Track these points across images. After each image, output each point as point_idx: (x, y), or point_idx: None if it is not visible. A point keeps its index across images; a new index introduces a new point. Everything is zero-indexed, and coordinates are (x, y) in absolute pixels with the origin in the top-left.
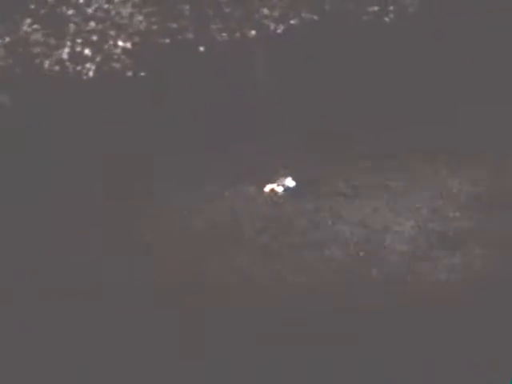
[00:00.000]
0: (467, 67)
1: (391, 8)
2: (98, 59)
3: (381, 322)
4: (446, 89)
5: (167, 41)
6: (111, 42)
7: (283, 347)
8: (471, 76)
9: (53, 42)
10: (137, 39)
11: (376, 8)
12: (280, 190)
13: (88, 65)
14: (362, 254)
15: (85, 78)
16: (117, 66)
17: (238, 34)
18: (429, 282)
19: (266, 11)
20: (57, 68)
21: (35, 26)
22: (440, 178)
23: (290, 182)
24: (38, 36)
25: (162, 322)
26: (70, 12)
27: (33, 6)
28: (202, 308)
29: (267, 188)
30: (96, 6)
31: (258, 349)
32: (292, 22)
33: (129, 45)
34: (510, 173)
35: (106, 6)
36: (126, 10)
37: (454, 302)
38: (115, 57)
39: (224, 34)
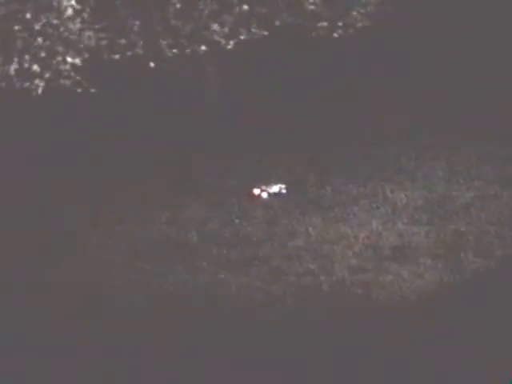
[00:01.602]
0: (417, 82)
1: (340, 24)
2: (46, 76)
3: (332, 336)
4: (393, 103)
5: (117, 57)
6: (60, 58)
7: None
8: (422, 90)
9: None
10: (86, 55)
11: (325, 23)
12: (265, 195)
13: (37, 81)
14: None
15: (34, 94)
16: (66, 82)
17: (188, 50)
18: (381, 295)
19: (216, 27)
20: (4, 84)
21: None
22: (390, 191)
23: (277, 189)
24: None
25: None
26: (17, 27)
27: None
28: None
29: (253, 193)
30: (44, 21)
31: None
32: (242, 37)
33: (78, 61)
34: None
35: (54, 21)
36: (75, 26)
37: (406, 316)
38: (64, 73)
39: (174, 50)
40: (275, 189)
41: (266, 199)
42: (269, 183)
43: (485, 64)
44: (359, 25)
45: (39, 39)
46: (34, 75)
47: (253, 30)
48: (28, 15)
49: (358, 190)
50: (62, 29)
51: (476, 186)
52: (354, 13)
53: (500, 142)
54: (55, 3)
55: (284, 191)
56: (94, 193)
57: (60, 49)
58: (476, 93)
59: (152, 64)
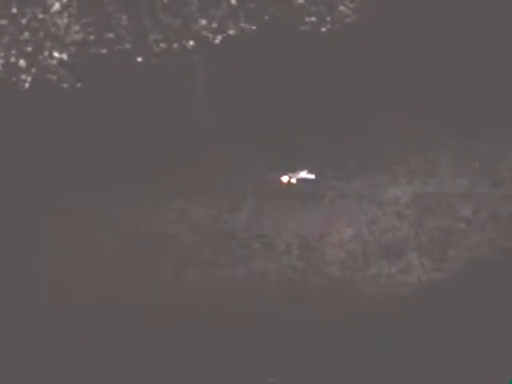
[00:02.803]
0: (403, 78)
1: (328, 19)
2: (33, 71)
3: (317, 332)
4: (380, 98)
5: (104, 51)
6: (47, 53)
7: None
8: (407, 87)
9: None
10: (73, 50)
11: (313, 18)
12: (294, 181)
13: (23, 76)
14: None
15: (20, 89)
16: (53, 77)
17: (176, 45)
18: (367, 292)
19: (204, 22)
20: None
21: None
22: (379, 187)
23: (304, 175)
24: None
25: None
26: (4, 22)
27: None
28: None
29: (283, 179)
30: (31, 16)
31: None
32: (230, 32)
33: (65, 56)
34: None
35: (41, 16)
36: (62, 21)
37: (393, 311)
38: (51, 68)
39: (162, 45)
40: (303, 175)
41: (293, 185)
42: (295, 170)
43: (478, 60)
44: (347, 20)
45: (26, 34)
46: (21, 70)
47: (241, 24)
48: (14, 10)
49: (346, 186)
50: (48, 23)
51: (463, 183)
52: (342, 7)
53: (487, 139)
54: None
55: (311, 176)
56: (79, 185)
57: (47, 43)
58: (467, 91)
59: (139, 59)
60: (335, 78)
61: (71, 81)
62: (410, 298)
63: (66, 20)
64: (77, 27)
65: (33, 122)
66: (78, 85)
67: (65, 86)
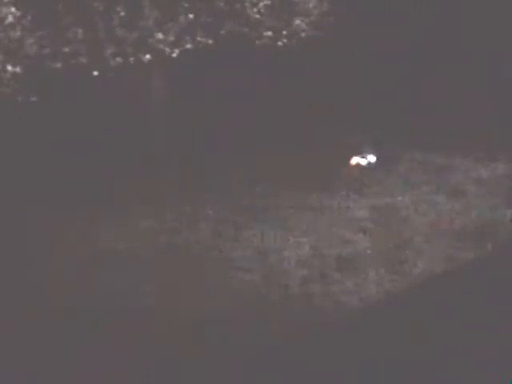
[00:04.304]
0: (359, 90)
1: (284, 33)
2: None
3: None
4: (336, 111)
5: (59, 65)
6: (0, 66)
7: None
8: (363, 99)
9: None
10: (27, 63)
11: (270, 33)
12: (364, 162)
13: None
14: None
15: None
16: (6, 90)
17: (132, 59)
18: (324, 306)
19: (160, 35)
20: None
21: None
22: (336, 200)
23: (371, 158)
24: None
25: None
26: None
27: None
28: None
29: (353, 161)
30: None
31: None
32: (187, 46)
33: (19, 69)
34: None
35: None
36: (15, 34)
37: (350, 325)
38: (5, 81)
39: (118, 59)
40: (370, 158)
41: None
42: (364, 154)
43: (429, 73)
44: (303, 34)
45: None
46: None
47: (198, 38)
48: None
49: (304, 199)
50: (2, 36)
51: (417, 194)
52: (298, 22)
53: (443, 152)
54: None
55: (374, 158)
56: (38, 203)
57: (0, 57)
58: (420, 103)
59: (96, 72)
60: (290, 91)
61: (25, 94)
62: (368, 312)
63: (19, 33)
64: (31, 40)
65: None
66: (33, 98)
67: (19, 99)
